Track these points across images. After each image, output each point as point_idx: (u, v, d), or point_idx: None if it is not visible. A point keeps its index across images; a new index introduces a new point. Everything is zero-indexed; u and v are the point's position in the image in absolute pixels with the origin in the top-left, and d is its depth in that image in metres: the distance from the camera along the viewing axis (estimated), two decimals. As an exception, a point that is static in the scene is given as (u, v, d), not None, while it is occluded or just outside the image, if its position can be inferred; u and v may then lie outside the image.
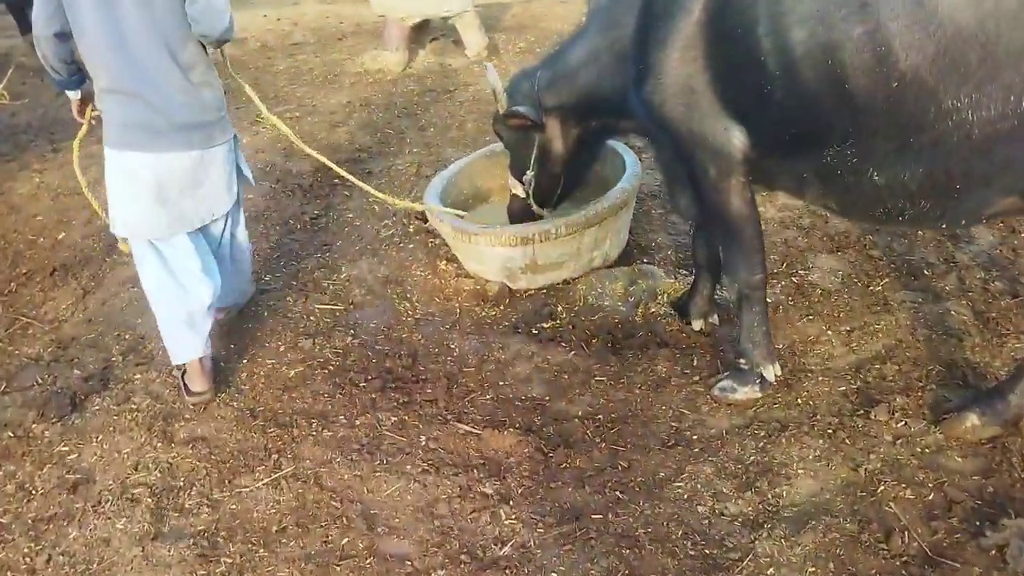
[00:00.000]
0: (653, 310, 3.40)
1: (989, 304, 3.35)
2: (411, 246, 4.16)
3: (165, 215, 2.90)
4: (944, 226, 3.25)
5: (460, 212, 3.73)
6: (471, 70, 7.42)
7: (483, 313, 3.58)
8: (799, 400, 2.86)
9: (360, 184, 3.74)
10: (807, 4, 2.25)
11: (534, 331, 3.40)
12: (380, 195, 3.83)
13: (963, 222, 2.66)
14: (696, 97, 2.65)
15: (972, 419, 2.58)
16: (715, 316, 3.35)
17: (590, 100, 3.16)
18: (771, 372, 2.87)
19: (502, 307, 3.61)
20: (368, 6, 8.30)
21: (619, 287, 3.52)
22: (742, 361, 2.90)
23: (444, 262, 3.96)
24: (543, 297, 3.63)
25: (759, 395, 2.87)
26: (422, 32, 7.72)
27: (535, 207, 3.54)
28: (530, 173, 3.44)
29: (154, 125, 2.78)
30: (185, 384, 3.07)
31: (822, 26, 2.22)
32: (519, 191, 3.54)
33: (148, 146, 2.81)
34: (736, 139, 2.64)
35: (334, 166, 3.79)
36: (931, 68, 2.08)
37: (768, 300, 3.43)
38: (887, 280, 3.61)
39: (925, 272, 3.66)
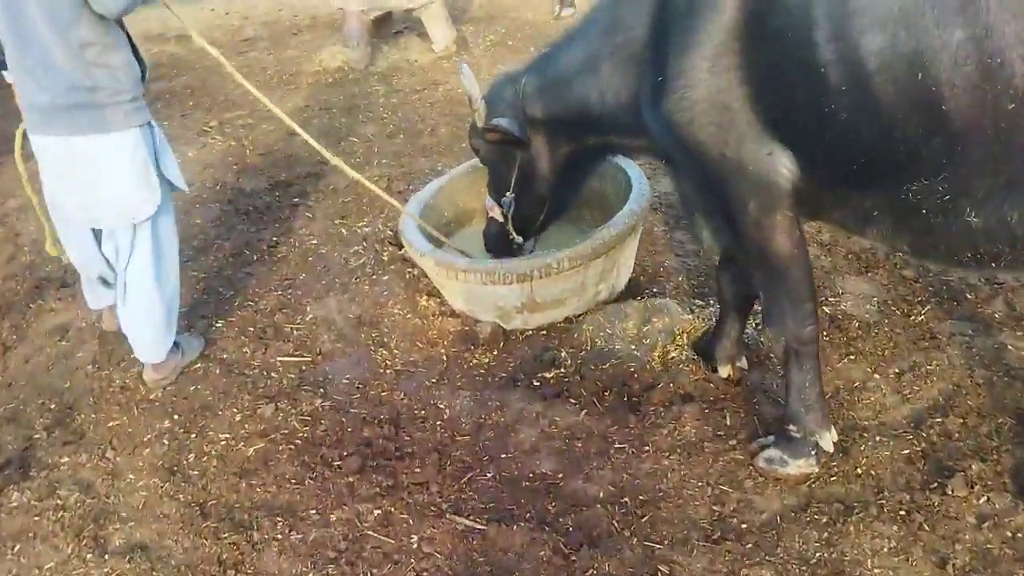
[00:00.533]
0: (673, 355, 2.94)
1: (1049, 336, 2.96)
2: (386, 278, 3.64)
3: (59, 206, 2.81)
4: None
5: (463, 250, 3.26)
6: (440, 66, 6.87)
7: (474, 361, 3.08)
8: (859, 470, 2.43)
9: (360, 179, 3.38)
10: (886, 2, 1.78)
11: (535, 383, 2.92)
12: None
13: None
14: (732, 116, 2.17)
15: None
16: (743, 360, 2.90)
17: (586, 115, 2.66)
18: (828, 440, 2.39)
19: (495, 352, 3.12)
20: (324, -4, 7.70)
21: (631, 326, 3.05)
22: (792, 428, 2.40)
23: (425, 297, 3.45)
24: (543, 339, 3.15)
25: (815, 468, 2.39)
26: (384, 25, 7.15)
27: (513, 234, 3.07)
28: (510, 195, 2.97)
29: (40, 104, 2.58)
30: None
31: (908, 30, 1.76)
32: (496, 214, 3.06)
33: (37, 127, 2.65)
34: (783, 167, 2.17)
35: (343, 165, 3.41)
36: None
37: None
38: (929, 307, 3.20)
39: (968, 296, 3.26)
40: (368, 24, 6.71)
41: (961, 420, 2.59)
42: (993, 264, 2.02)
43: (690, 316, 3.11)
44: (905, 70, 1.79)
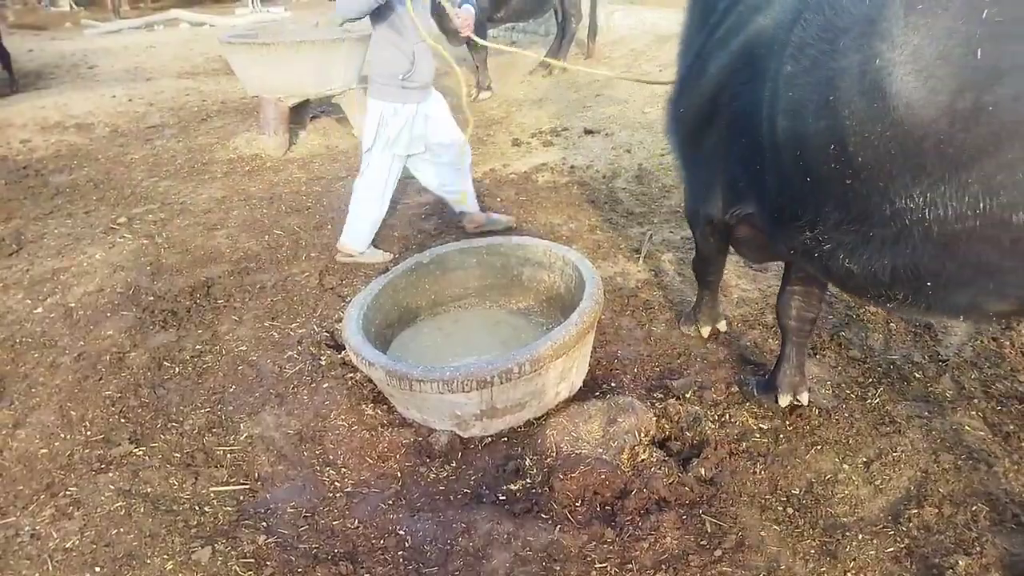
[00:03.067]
0: (642, 456, 2.81)
1: (999, 413, 3.02)
2: (326, 385, 3.38)
3: None
4: (948, 317, 2.83)
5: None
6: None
7: (432, 475, 2.86)
8: (849, 575, 2.34)
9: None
10: (788, 96, 2.12)
11: (501, 497, 2.72)
12: None
13: (962, 318, 2.33)
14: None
15: None
16: (805, 393, 3.08)
17: None
18: (705, 329, 3.59)
19: (454, 464, 2.91)
20: (234, 80, 7.50)
21: (595, 428, 2.91)
22: (692, 312, 3.68)
23: (371, 405, 3.22)
24: (504, 446, 2.97)
25: (694, 334, 3.66)
26: (301, 111, 7.01)
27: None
28: None
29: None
30: None
31: (796, 118, 2.12)
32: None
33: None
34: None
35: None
36: (884, 166, 1.93)
37: (764, 426, 3.02)
38: (881, 388, 3.23)
39: (916, 376, 3.31)
40: (285, 110, 6.56)
41: (936, 510, 2.56)
42: (889, 304, 2.24)
43: (653, 416, 3.00)
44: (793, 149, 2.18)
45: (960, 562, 2.32)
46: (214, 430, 3.14)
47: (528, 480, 2.78)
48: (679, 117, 2.85)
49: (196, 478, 2.86)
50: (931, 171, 1.86)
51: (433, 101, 4.40)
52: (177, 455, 2.98)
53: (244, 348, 3.68)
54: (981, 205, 1.80)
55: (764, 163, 2.35)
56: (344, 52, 6.49)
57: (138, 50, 12.45)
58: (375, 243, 4.63)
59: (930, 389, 3.22)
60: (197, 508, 2.72)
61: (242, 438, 3.08)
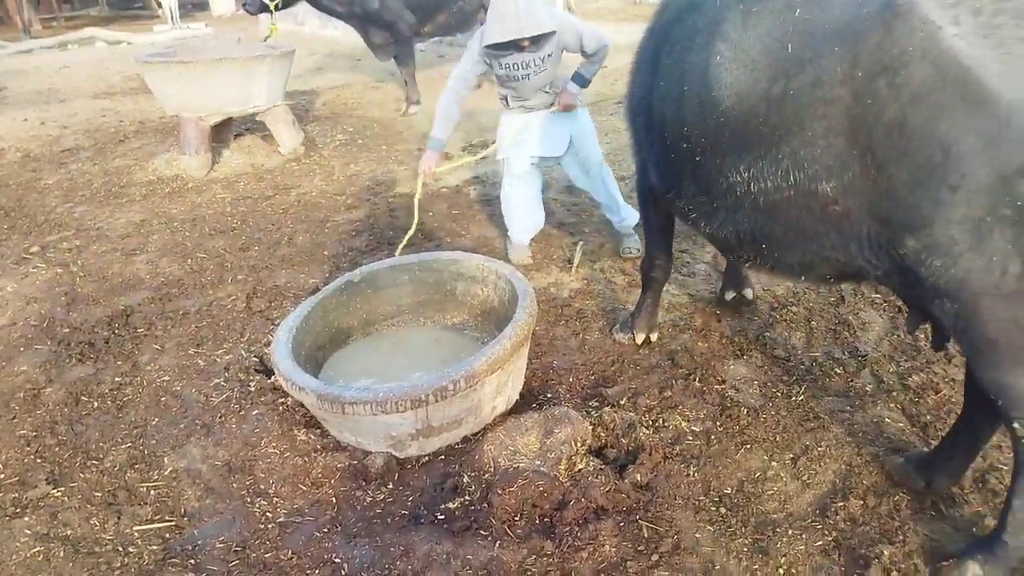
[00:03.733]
0: (579, 466, 2.83)
1: (917, 404, 3.16)
2: (255, 412, 3.28)
3: None
4: (791, 277, 2.92)
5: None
6: (290, 169, 6.65)
7: (368, 499, 2.81)
8: (781, 571, 2.40)
9: None
10: (660, 85, 2.63)
11: (440, 516, 2.69)
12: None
13: (802, 278, 2.63)
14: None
15: (974, 569, 2.24)
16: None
17: None
18: (639, 336, 3.67)
19: (390, 486, 2.86)
20: (152, 100, 7.28)
21: (533, 440, 2.91)
22: (629, 320, 3.73)
23: (304, 430, 3.15)
24: (441, 465, 2.94)
25: (628, 342, 3.70)
26: (224, 130, 6.84)
27: None
28: None
29: None
30: None
31: (664, 104, 2.60)
32: None
33: None
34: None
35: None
36: (720, 145, 2.35)
37: (696, 428, 3.07)
38: (805, 385, 3.34)
39: (837, 372, 3.44)
40: (207, 130, 6.39)
41: (861, 501, 2.65)
42: (748, 264, 2.76)
43: (589, 426, 3.02)
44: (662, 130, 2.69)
45: (885, 551, 2.40)
46: (137, 466, 3.01)
47: (466, 497, 2.76)
48: (628, 106, 3.18)
49: (119, 517, 2.73)
50: (753, 149, 2.24)
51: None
52: (98, 494, 2.85)
53: (167, 378, 3.55)
54: (792, 177, 2.17)
55: (653, 144, 2.81)
56: (267, 68, 6.37)
57: (51, 71, 11.96)
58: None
59: (851, 384, 3.35)
60: (121, 549, 2.60)
61: (167, 473, 2.97)
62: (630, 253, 4.71)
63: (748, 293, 3.90)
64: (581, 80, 4.39)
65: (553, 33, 3.99)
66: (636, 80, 3.02)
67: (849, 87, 1.97)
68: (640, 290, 3.76)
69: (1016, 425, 2.06)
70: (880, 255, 2.15)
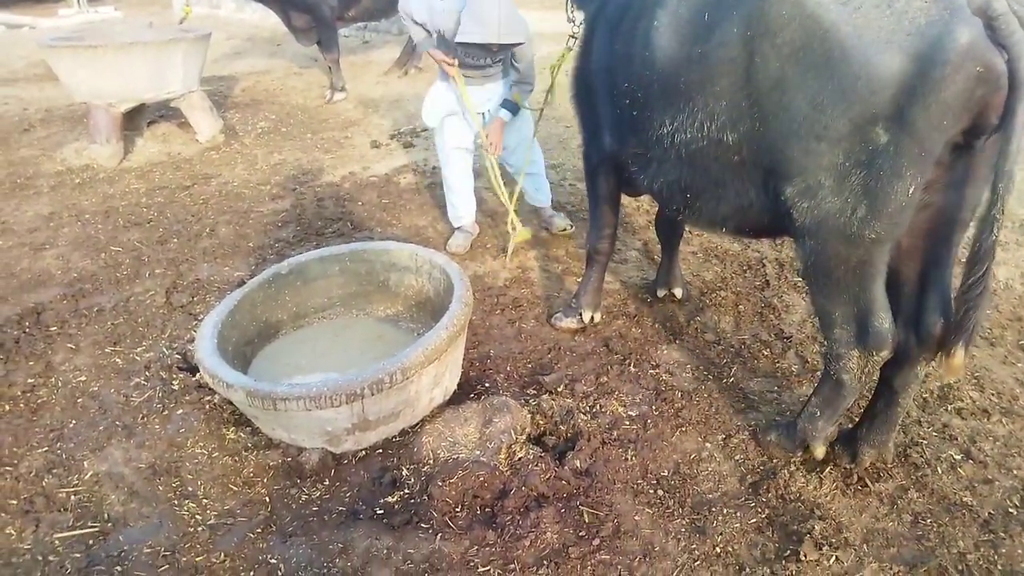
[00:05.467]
0: (519, 455, 2.82)
1: (839, 382, 3.28)
2: (180, 412, 3.15)
3: None
4: (713, 230, 3.17)
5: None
6: (209, 158, 6.39)
7: (303, 497, 2.73)
8: (717, 549, 2.45)
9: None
10: (615, 49, 2.91)
11: (379, 511, 2.64)
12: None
13: (723, 230, 2.86)
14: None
15: (774, 435, 2.88)
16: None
17: None
18: (588, 315, 3.73)
19: (327, 483, 2.79)
20: (59, 87, 6.87)
21: (472, 431, 2.89)
22: (573, 301, 3.78)
23: (232, 429, 3.04)
24: (379, 458, 2.88)
25: (576, 326, 3.73)
26: (137, 117, 6.52)
27: None
28: None
29: None
30: None
31: (619, 66, 2.88)
32: None
33: None
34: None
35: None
36: (652, 100, 2.67)
37: (632, 413, 3.11)
38: (735, 368, 3.43)
39: (764, 353, 3.55)
40: (118, 117, 6.06)
41: (791, 478, 2.74)
42: (680, 215, 3.01)
43: (528, 413, 3.02)
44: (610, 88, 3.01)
45: (816, 526, 2.49)
46: (54, 471, 2.84)
47: (406, 490, 2.72)
48: (577, 82, 3.39)
49: (37, 525, 2.57)
50: (675, 103, 2.53)
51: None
52: (13, 502, 2.67)
53: (83, 378, 3.36)
54: (705, 128, 2.46)
55: (609, 104, 3.03)
56: (182, 53, 6.08)
57: (-59, 54, 11.11)
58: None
59: (778, 365, 3.46)
60: (41, 558, 2.45)
61: (87, 477, 2.81)
62: (567, 229, 4.84)
63: (678, 291, 3.97)
64: (513, 107, 4.43)
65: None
66: (591, 49, 3.19)
67: (745, 48, 2.25)
68: (585, 268, 3.80)
69: (829, 339, 2.53)
70: (775, 202, 2.40)
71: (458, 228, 4.77)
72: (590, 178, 3.55)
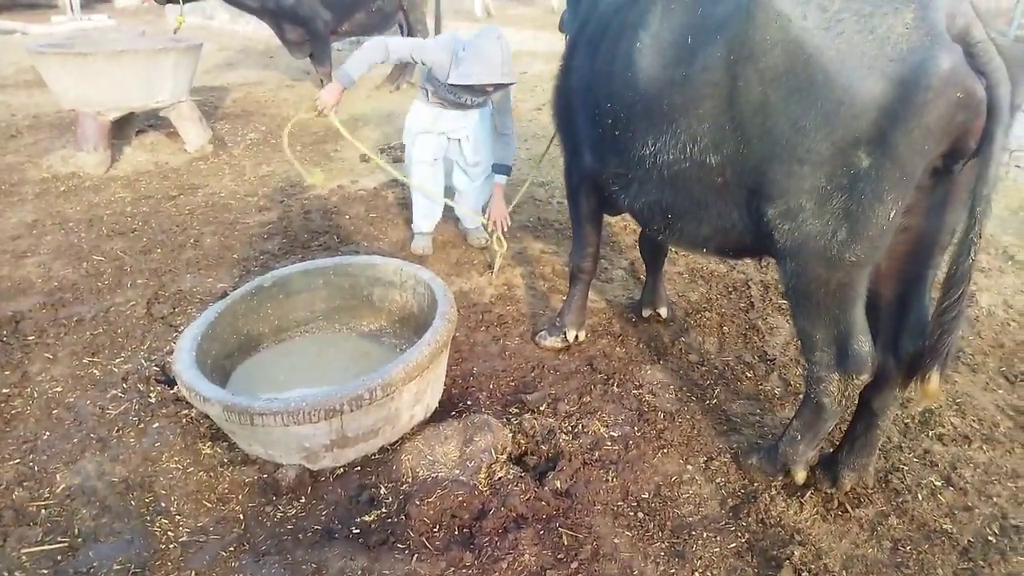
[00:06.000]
0: (499, 474, 2.79)
1: (822, 406, 3.28)
2: (156, 425, 3.10)
3: None
4: (694, 250, 3.21)
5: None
6: (197, 168, 6.37)
7: (278, 515, 2.68)
8: (696, 574, 2.43)
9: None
10: (597, 68, 2.91)
11: (355, 530, 2.60)
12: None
13: (705, 251, 2.89)
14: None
15: (754, 459, 2.87)
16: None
17: None
18: (572, 333, 3.72)
19: (303, 500, 2.75)
20: (49, 93, 6.83)
21: (452, 449, 2.86)
22: (557, 320, 3.77)
23: (208, 443, 3.00)
24: (357, 476, 2.84)
25: (560, 345, 3.72)
26: (126, 125, 6.49)
27: None
28: None
29: None
30: None
31: (600, 86, 2.89)
32: None
33: None
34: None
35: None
36: (634, 121, 2.68)
37: (615, 433, 3.09)
38: (718, 389, 3.42)
39: (748, 375, 3.54)
40: (106, 125, 6.03)
41: (771, 503, 2.73)
42: (660, 235, 2.97)
43: (509, 432, 3.00)
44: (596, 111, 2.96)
45: (795, 552, 2.48)
46: (25, 483, 2.78)
47: (383, 509, 2.68)
48: (558, 101, 3.40)
49: (4, 539, 2.52)
50: (657, 124, 2.54)
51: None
52: (-21, 515, 2.62)
53: (59, 389, 3.31)
54: (687, 150, 2.47)
55: (589, 123, 3.03)
56: (172, 62, 6.07)
57: (-70, 58, 11.06)
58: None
59: (761, 387, 3.45)
60: (7, 574, 2.39)
61: (59, 490, 2.76)
62: (487, 240, 4.88)
63: (663, 311, 3.98)
64: (506, 170, 4.56)
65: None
66: (572, 67, 3.21)
67: (728, 71, 2.27)
68: (569, 287, 3.79)
69: (809, 361, 2.52)
70: (758, 223, 2.40)
71: (418, 233, 4.85)
72: (571, 197, 3.55)
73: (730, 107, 2.30)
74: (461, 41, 4.04)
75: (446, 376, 3.35)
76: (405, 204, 5.63)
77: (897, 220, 2.15)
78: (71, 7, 17.02)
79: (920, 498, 2.75)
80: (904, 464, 2.92)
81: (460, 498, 2.68)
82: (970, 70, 1.93)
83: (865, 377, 2.43)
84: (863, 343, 2.38)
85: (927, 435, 3.11)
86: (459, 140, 4.55)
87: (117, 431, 3.06)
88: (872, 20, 2.03)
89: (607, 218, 4.63)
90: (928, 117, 1.95)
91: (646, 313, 4.00)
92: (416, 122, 4.52)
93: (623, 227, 5.23)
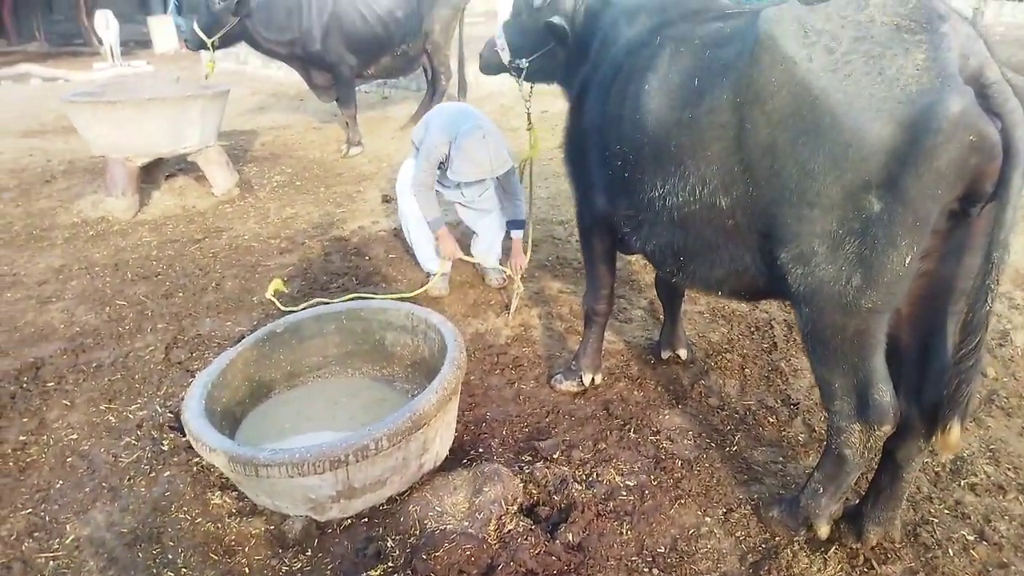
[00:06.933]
0: (508, 527, 2.71)
1: (847, 453, 3.15)
2: (167, 474, 3.09)
3: None
4: (708, 292, 3.08)
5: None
6: (223, 212, 6.47)
7: (284, 568, 2.64)
8: (714, 635, 2.32)
9: None
10: (607, 111, 2.91)
11: (360, 585, 2.54)
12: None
13: (719, 293, 2.83)
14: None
15: (776, 512, 2.75)
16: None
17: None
18: (589, 377, 3.65)
19: (309, 553, 2.70)
20: (82, 139, 7.03)
21: (461, 500, 2.80)
22: (573, 363, 3.69)
23: (218, 493, 2.97)
24: (364, 528, 2.79)
25: (576, 389, 3.65)
26: (155, 170, 6.64)
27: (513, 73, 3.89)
28: (526, 62, 3.75)
29: None
30: None
31: (609, 127, 2.89)
32: (503, 56, 3.86)
33: None
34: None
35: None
36: (642, 163, 2.66)
37: (630, 483, 3.00)
38: (739, 436, 3.31)
39: (770, 420, 3.43)
40: (134, 171, 6.18)
41: (792, 557, 2.61)
42: (674, 277, 2.93)
43: (520, 483, 2.92)
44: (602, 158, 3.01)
45: (818, 613, 2.35)
46: (35, 534, 2.78)
47: (390, 563, 2.62)
48: (569, 143, 3.40)
49: (9, 594, 2.51)
50: (666, 166, 2.52)
51: None
52: (-13, 568, 2.62)
53: (75, 436, 3.33)
54: (696, 192, 2.44)
55: (600, 165, 3.03)
56: (199, 109, 6.22)
57: (-23, 107, 11.53)
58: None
59: (783, 433, 3.34)
60: (6, 631, 2.38)
61: (68, 542, 2.75)
62: (504, 279, 4.98)
63: (683, 353, 3.90)
64: (520, 225, 4.65)
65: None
66: (582, 110, 3.20)
67: (735, 114, 2.25)
68: (584, 329, 3.72)
69: (829, 411, 2.42)
70: (771, 267, 2.36)
71: (429, 273, 4.85)
72: (584, 238, 3.51)
73: (738, 149, 2.28)
74: (456, 131, 4.21)
75: (458, 421, 3.30)
76: (425, 244, 5.64)
77: (914, 266, 2.07)
78: (111, 54, 17.69)
79: (951, 553, 2.61)
80: (934, 516, 2.78)
81: (468, 552, 2.61)
82: (983, 112, 1.86)
83: (887, 428, 2.32)
84: (884, 392, 2.28)
85: (959, 485, 2.97)
86: (471, 206, 4.78)
87: (128, 480, 3.06)
88: (881, 61, 1.98)
89: (626, 256, 4.59)
90: (939, 161, 1.89)
91: (665, 355, 3.92)
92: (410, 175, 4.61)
93: (642, 266, 5.16)
